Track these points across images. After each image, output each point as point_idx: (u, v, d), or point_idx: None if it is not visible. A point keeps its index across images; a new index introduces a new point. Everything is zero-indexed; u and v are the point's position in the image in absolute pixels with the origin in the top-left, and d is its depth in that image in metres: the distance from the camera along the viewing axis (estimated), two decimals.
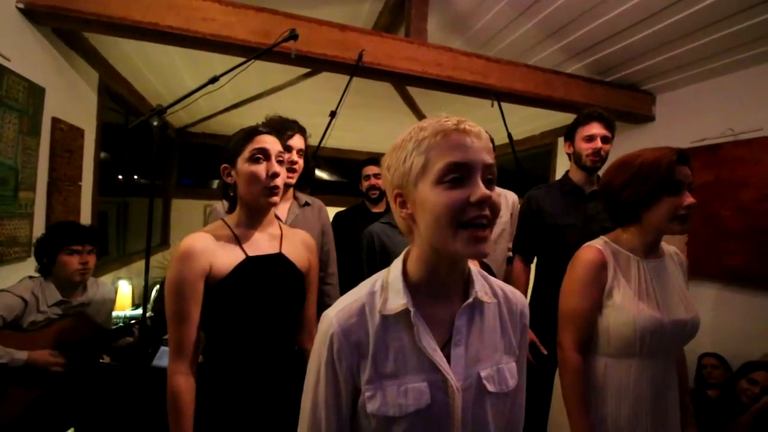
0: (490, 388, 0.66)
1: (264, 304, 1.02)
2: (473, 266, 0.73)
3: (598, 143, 1.74)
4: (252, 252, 1.04)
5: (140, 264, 1.37)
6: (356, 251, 1.62)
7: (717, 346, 2.37)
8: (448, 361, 0.64)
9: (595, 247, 1.15)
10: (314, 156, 1.74)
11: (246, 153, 1.02)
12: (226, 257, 1.00)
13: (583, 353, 1.13)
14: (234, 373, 1.01)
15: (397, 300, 0.64)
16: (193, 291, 0.96)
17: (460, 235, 0.59)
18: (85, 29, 1.98)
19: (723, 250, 2.49)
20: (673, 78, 2.70)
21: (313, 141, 1.70)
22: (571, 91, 2.66)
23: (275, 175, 1.02)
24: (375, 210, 2.40)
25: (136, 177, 3.76)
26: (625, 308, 1.08)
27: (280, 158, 1.06)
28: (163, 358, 2.11)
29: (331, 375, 0.64)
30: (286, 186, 1.50)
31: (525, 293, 1.88)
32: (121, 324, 2.00)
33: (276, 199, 1.04)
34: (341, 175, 5.31)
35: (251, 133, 1.05)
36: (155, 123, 1.43)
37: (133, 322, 1.86)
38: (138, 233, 3.64)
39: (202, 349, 1.03)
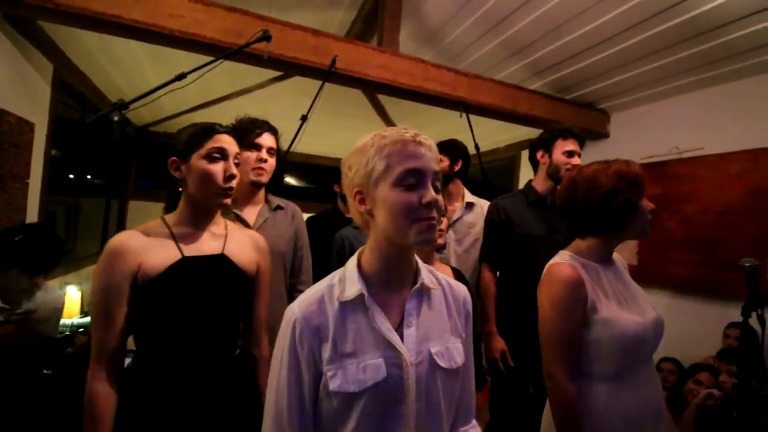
0: (441, 363, 0.74)
1: (199, 307, 0.96)
2: (438, 270, 0.84)
3: (577, 160, 1.81)
4: (190, 252, 0.98)
5: (91, 269, 1.28)
6: (329, 254, 1.61)
7: (667, 351, 2.52)
8: (402, 341, 0.72)
9: (567, 264, 1.10)
10: (283, 161, 1.71)
11: (203, 150, 0.98)
12: (159, 256, 0.94)
13: (575, 381, 1.06)
14: (165, 381, 0.94)
15: (353, 288, 0.72)
16: (119, 292, 0.91)
17: (412, 228, 0.69)
18: (40, 17, 1.87)
19: (670, 259, 2.67)
20: (625, 98, 2.90)
21: (283, 145, 1.68)
22: (534, 107, 2.79)
23: (232, 177, 0.99)
24: (349, 214, 2.38)
25: (89, 177, 3.56)
26: (612, 321, 1.05)
27: (237, 161, 1.03)
28: None
29: (293, 360, 0.70)
30: (257, 185, 1.45)
31: (494, 302, 1.89)
32: (67, 332, 1.87)
33: (229, 201, 1.01)
34: (310, 181, 5.26)
35: (210, 129, 1.01)
36: (116, 118, 1.36)
37: (81, 330, 1.74)
38: (89, 236, 3.43)
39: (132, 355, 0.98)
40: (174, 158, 1.00)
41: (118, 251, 0.91)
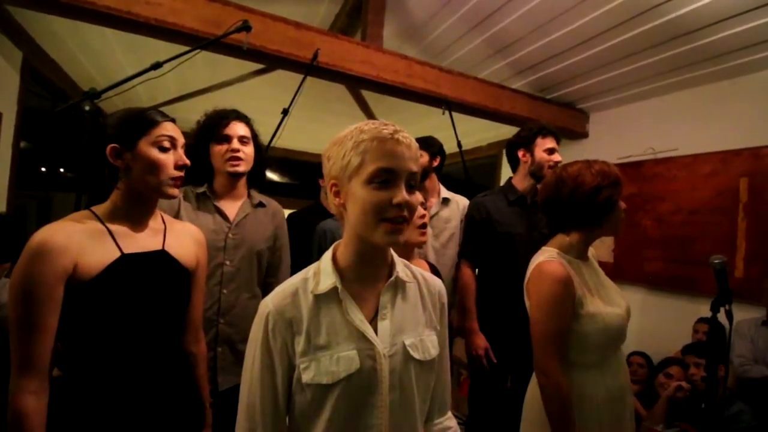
0: (415, 355, 0.74)
1: (141, 308, 0.91)
2: (414, 264, 0.84)
3: (558, 156, 1.84)
4: (128, 249, 0.90)
5: None
6: (310, 249, 1.59)
7: (640, 345, 2.60)
8: (376, 333, 0.72)
9: (557, 262, 1.14)
10: (264, 154, 1.68)
11: (152, 137, 0.91)
12: (96, 254, 0.85)
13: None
14: (105, 388, 0.87)
15: (327, 281, 0.72)
16: (50, 295, 0.80)
17: (380, 227, 0.68)
18: (8, 2, 1.79)
19: (644, 257, 2.75)
20: (604, 99, 2.97)
21: (265, 140, 1.65)
22: (516, 106, 2.82)
23: (184, 166, 0.95)
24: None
25: (62, 170, 3.43)
26: (597, 314, 1.11)
27: (184, 149, 0.99)
28: None
29: (266, 353, 0.70)
30: (235, 176, 1.41)
31: (474, 298, 1.90)
32: None
33: (177, 191, 0.96)
34: (292, 177, 5.20)
35: (154, 117, 0.94)
36: (87, 108, 1.31)
37: None
38: None
39: (56, 361, 0.86)
40: (114, 145, 0.90)
41: (47, 249, 0.79)
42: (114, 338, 0.88)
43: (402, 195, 0.67)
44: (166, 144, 0.93)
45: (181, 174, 0.95)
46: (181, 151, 0.96)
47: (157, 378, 0.95)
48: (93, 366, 0.87)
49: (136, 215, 0.95)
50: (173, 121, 0.98)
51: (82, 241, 0.85)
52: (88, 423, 0.85)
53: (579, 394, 1.10)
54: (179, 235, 1.03)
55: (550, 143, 1.85)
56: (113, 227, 0.91)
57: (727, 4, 1.86)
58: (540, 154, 1.85)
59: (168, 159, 0.93)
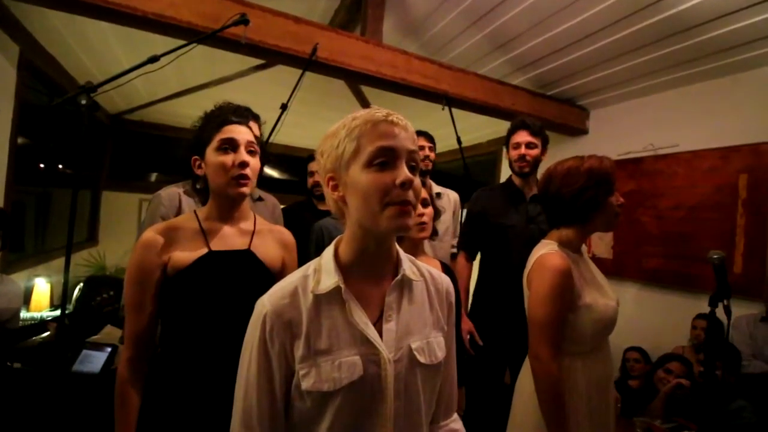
0: (421, 359, 0.70)
1: (223, 299, 0.99)
2: (422, 261, 0.80)
3: (522, 150, 1.88)
4: (218, 246, 1.01)
5: (61, 261, 1.22)
6: (304, 247, 1.58)
7: (638, 341, 2.60)
8: (380, 336, 0.67)
9: (557, 254, 1.17)
10: (264, 150, 1.67)
11: (214, 143, 1.00)
12: (188, 250, 0.99)
13: (559, 360, 1.15)
14: (187, 367, 0.98)
15: (329, 280, 0.67)
16: (149, 281, 0.96)
17: (385, 212, 0.63)
18: None
19: (643, 253, 2.75)
20: (604, 96, 2.96)
21: (263, 136, 1.64)
22: (516, 102, 2.81)
23: (244, 164, 1.00)
24: (322, 207, 2.35)
25: (60, 166, 3.42)
26: (593, 306, 1.15)
27: (251, 148, 1.03)
28: (84, 362, 1.92)
29: (263, 357, 0.65)
30: None
31: (468, 287, 1.97)
32: (33, 322, 1.80)
33: (246, 189, 1.02)
34: (291, 173, 5.18)
35: (219, 122, 1.02)
36: (84, 102, 1.30)
37: (49, 318, 1.68)
38: (61, 227, 3.31)
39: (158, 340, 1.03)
40: (195, 157, 1.03)
41: (150, 243, 0.97)
42: (198, 322, 0.98)
43: (405, 173, 0.63)
44: (226, 146, 1.00)
45: (242, 171, 1.00)
46: (241, 150, 1.00)
47: (232, 366, 0.99)
48: (182, 344, 0.99)
49: (225, 216, 1.05)
50: (240, 122, 1.03)
51: (180, 238, 0.99)
52: (177, 391, 0.97)
53: (571, 381, 1.15)
54: (266, 238, 1.11)
55: (518, 137, 1.90)
56: (207, 226, 1.03)
57: (727, 0, 1.84)
58: (510, 151, 1.93)
59: (226, 160, 0.99)
